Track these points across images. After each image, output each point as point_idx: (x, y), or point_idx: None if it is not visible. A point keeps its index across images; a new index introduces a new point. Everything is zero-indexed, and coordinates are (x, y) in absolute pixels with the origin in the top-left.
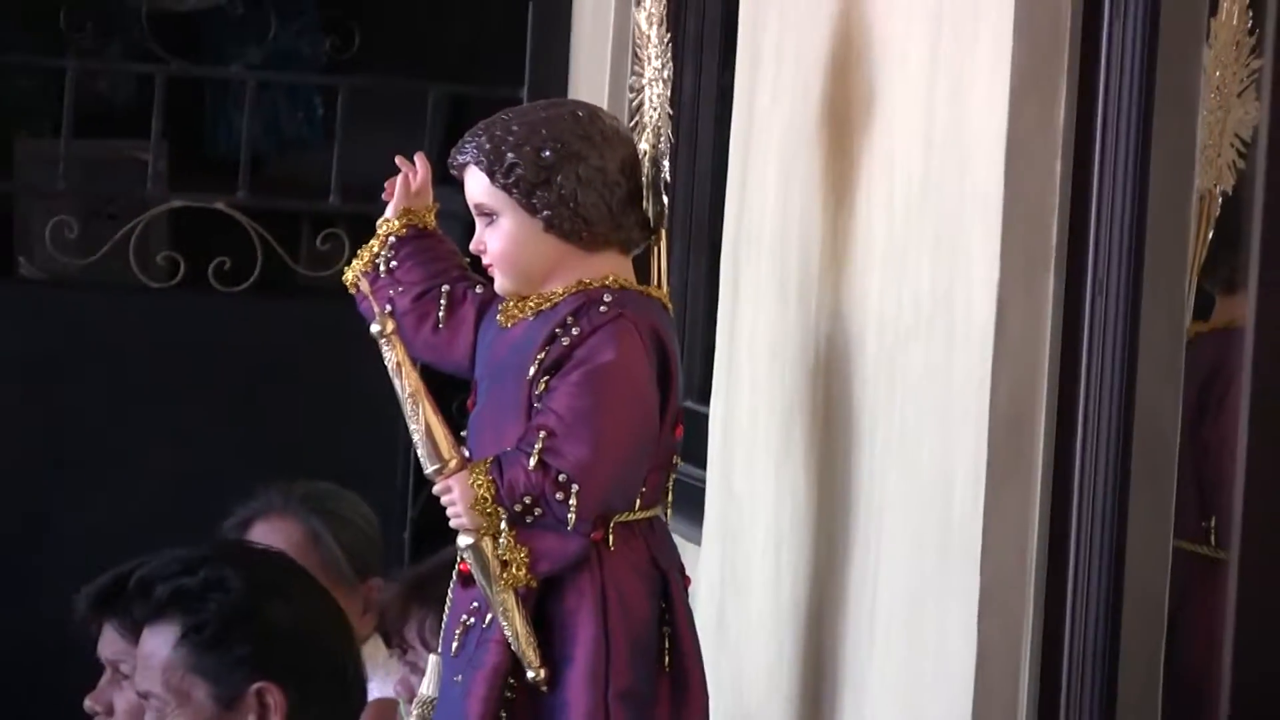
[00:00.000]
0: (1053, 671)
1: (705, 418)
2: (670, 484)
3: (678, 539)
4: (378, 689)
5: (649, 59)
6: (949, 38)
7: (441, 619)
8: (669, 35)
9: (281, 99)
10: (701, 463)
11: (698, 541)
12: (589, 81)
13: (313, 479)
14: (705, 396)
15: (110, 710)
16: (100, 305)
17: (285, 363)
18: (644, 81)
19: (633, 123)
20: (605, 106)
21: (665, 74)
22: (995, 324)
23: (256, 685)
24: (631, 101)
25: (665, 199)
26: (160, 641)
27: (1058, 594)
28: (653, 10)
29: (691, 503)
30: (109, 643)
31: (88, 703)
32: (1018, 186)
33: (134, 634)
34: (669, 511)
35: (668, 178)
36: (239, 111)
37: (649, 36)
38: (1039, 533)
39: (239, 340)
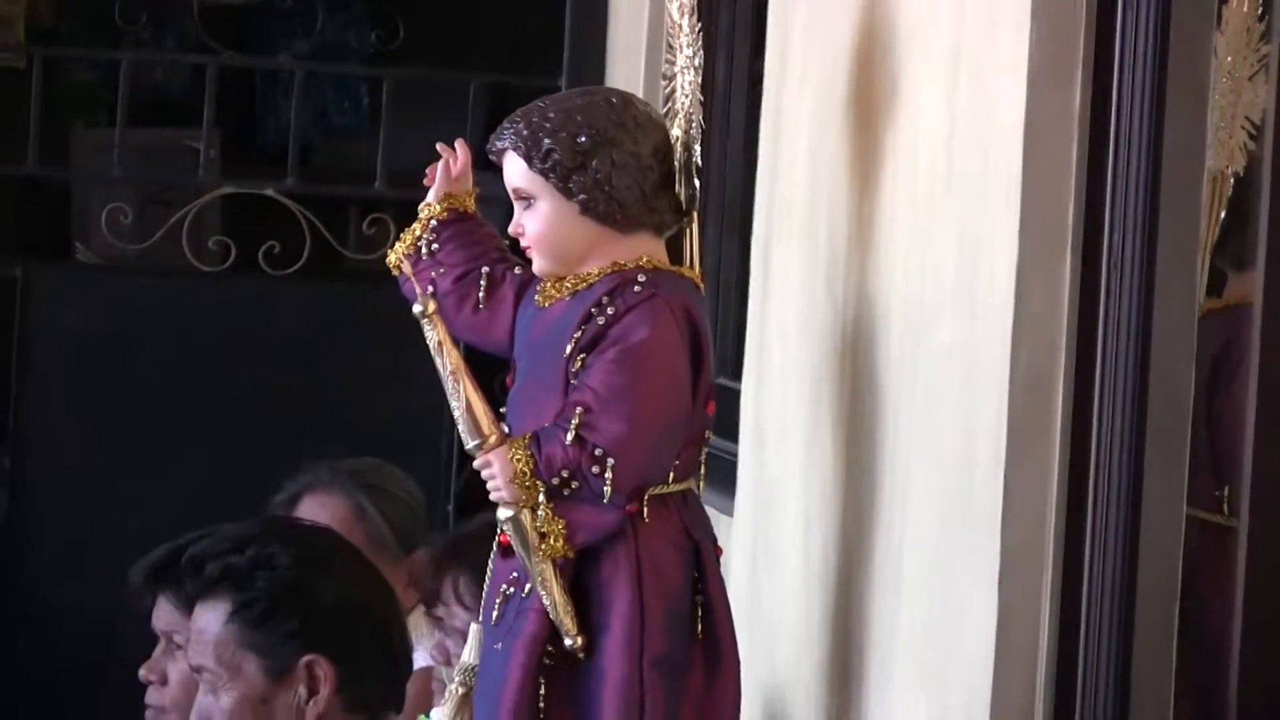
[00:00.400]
0: (1070, 634)
1: (737, 394)
2: (703, 458)
3: (711, 511)
4: (422, 659)
5: (681, 47)
6: (970, 27)
7: (474, 579)
8: (699, 24)
9: (329, 89)
10: (734, 437)
11: (730, 514)
12: (625, 70)
13: (359, 455)
14: (737, 373)
15: (164, 680)
16: (154, 288)
17: (333, 343)
18: (676, 69)
19: (665, 109)
20: (641, 94)
21: (696, 62)
22: (1015, 303)
23: (306, 658)
24: (664, 89)
25: (697, 183)
26: (211, 618)
27: (1075, 560)
28: (685, 1)
29: (724, 476)
30: (163, 615)
31: (143, 672)
32: (1036, 170)
33: (188, 607)
34: (701, 484)
35: (699, 162)
36: (288, 101)
37: (681, 25)
38: (1057, 502)
39: (288, 321)
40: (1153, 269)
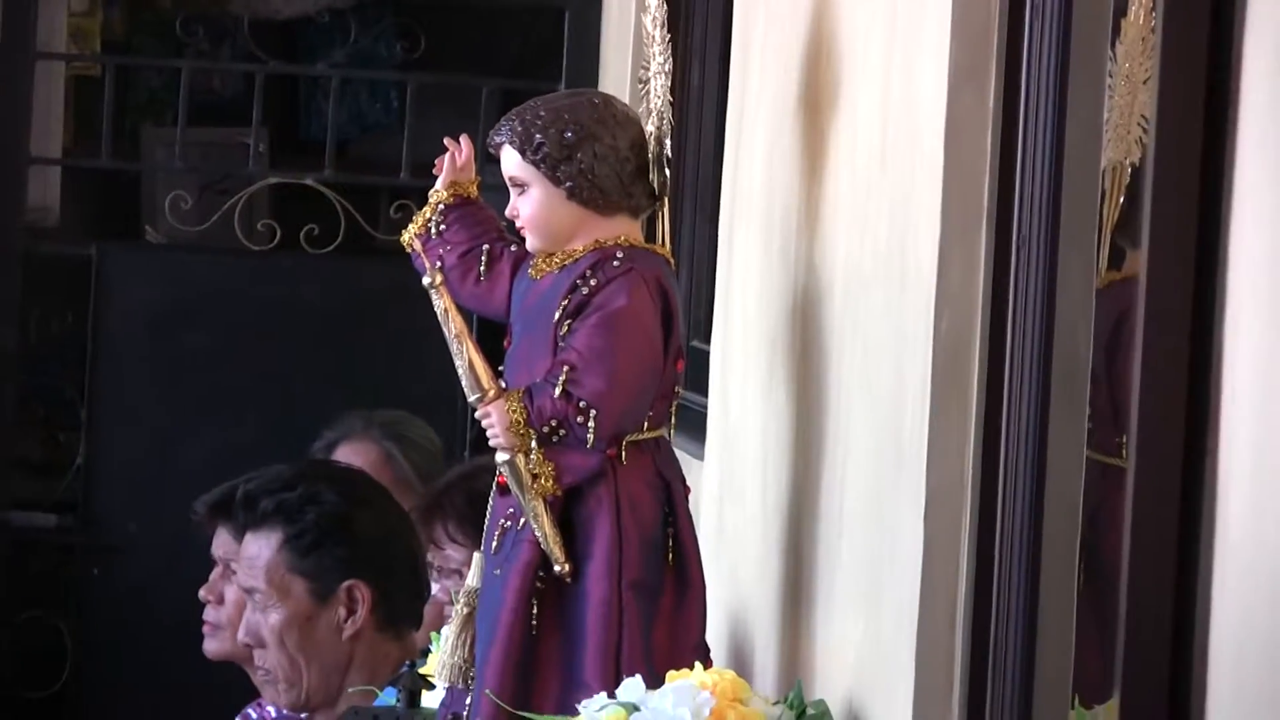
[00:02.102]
0: (986, 560)
1: (707, 354)
2: (673, 409)
3: (685, 456)
4: (436, 588)
5: (654, 56)
6: (900, 37)
7: (458, 523)
8: (669, 37)
9: (363, 92)
10: (704, 391)
11: (701, 457)
12: (615, 76)
13: (387, 408)
14: (707, 336)
15: (221, 600)
16: (211, 265)
17: (363, 312)
18: (650, 74)
19: (641, 108)
20: (627, 97)
21: (666, 68)
22: (938, 272)
23: (347, 583)
24: (640, 90)
25: (667, 172)
26: (264, 545)
27: (990, 497)
28: (657, 15)
29: (696, 425)
30: (221, 543)
31: (202, 593)
32: (956, 157)
33: (242, 536)
34: (672, 431)
35: (669, 154)
36: (326, 103)
37: (654, 37)
38: (974, 446)
39: (325, 294)
40: (1056, 244)
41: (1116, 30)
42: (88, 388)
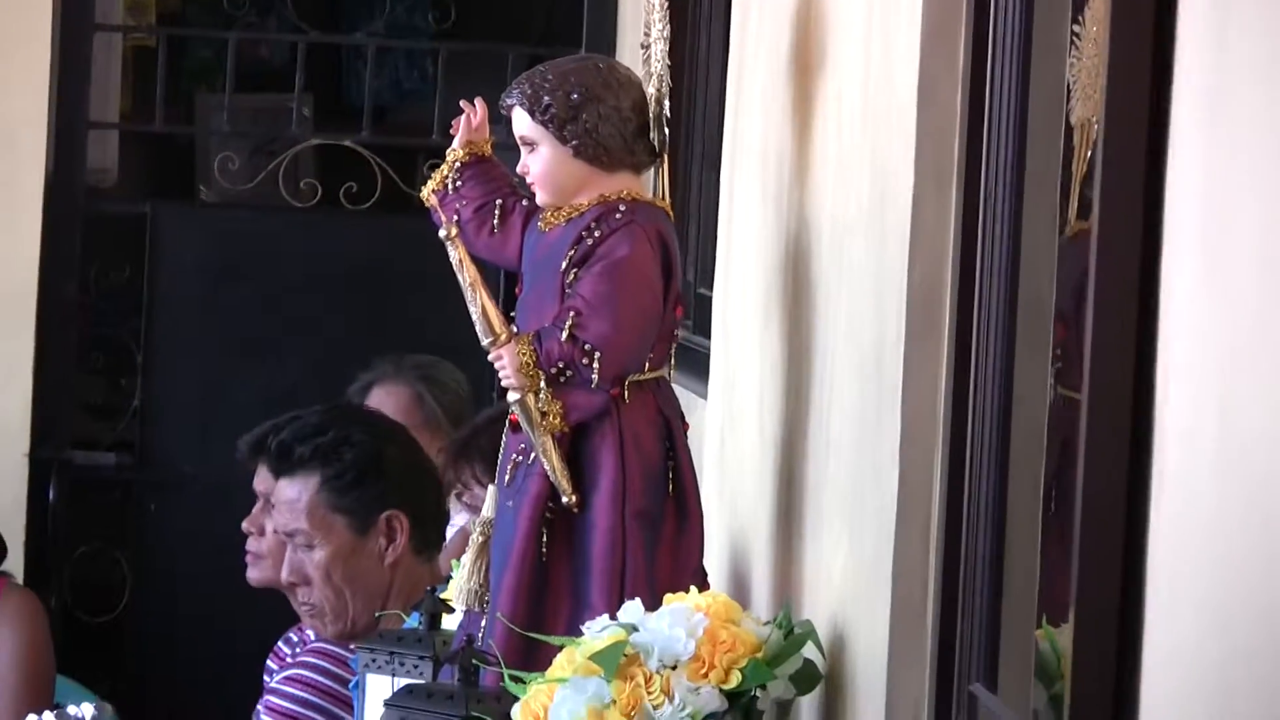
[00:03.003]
0: (957, 487)
1: (710, 299)
2: (673, 350)
3: (690, 394)
4: (462, 519)
5: (654, 23)
6: (879, 4)
7: (485, 465)
8: (668, 4)
9: (399, 60)
10: (708, 333)
11: (704, 395)
12: (630, 43)
13: (418, 352)
14: (712, 283)
15: (262, 531)
16: (258, 221)
17: (398, 264)
18: (651, 40)
19: (643, 71)
20: (639, 62)
21: (665, 34)
22: (912, 222)
23: (386, 514)
24: (642, 55)
25: (666, 130)
26: (303, 488)
27: (961, 427)
28: None
29: (700, 365)
30: (262, 479)
31: (245, 525)
32: (928, 115)
33: (278, 481)
34: (672, 371)
35: (668, 114)
36: (366, 70)
37: (654, 5)
38: (947, 382)
39: (363, 247)
40: (1021, 195)
41: None
42: (144, 336)
